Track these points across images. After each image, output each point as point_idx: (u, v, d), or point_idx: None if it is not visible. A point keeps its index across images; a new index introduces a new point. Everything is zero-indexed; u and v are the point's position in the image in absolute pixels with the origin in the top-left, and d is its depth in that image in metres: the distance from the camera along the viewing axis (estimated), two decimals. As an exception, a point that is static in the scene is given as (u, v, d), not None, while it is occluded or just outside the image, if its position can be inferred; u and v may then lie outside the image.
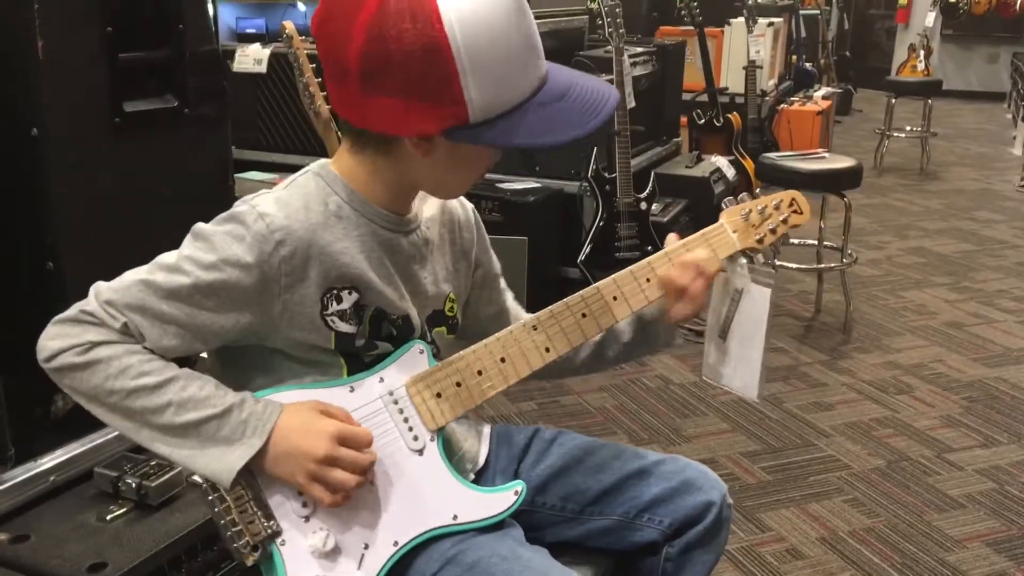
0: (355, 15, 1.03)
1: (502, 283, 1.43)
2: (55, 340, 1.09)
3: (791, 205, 1.37)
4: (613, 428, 2.96)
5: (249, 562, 1.12)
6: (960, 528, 2.46)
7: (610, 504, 1.35)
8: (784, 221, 1.36)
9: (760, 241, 1.35)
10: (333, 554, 1.13)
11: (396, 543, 1.16)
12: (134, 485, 1.65)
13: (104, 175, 1.78)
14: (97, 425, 1.80)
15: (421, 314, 1.25)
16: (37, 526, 1.61)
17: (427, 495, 1.18)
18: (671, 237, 1.33)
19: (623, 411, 3.09)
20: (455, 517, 1.19)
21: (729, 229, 1.34)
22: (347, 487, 1.10)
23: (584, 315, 1.26)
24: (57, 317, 1.11)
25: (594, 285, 1.27)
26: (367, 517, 1.16)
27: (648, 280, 1.29)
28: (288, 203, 1.12)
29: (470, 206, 1.37)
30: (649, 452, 1.40)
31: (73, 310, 1.10)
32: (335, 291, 1.14)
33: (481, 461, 1.36)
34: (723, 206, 1.33)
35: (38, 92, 1.64)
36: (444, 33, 1.01)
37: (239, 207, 1.11)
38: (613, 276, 1.28)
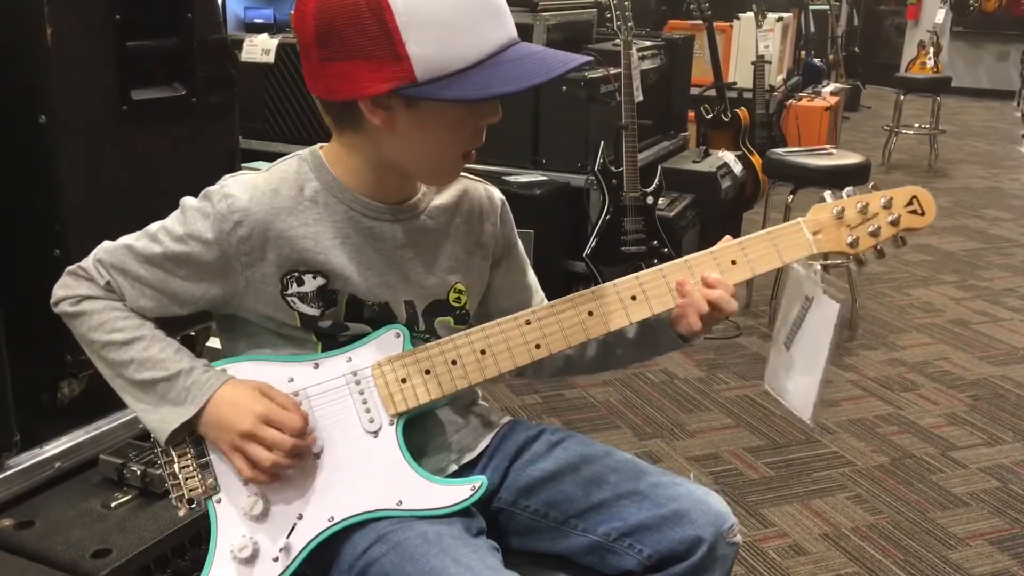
0: None
1: (528, 279, 1.40)
2: (59, 289, 1.23)
3: (909, 204, 1.15)
4: (617, 422, 2.96)
5: (181, 513, 1.19)
6: (963, 526, 2.46)
7: (594, 521, 1.27)
8: (893, 222, 1.16)
9: (853, 244, 1.16)
10: (263, 518, 1.17)
11: (331, 519, 1.17)
12: (139, 472, 1.66)
13: (111, 163, 1.78)
14: (102, 412, 1.82)
15: (417, 303, 1.25)
16: (42, 512, 1.62)
17: (374, 477, 1.18)
18: (727, 238, 1.22)
19: (627, 405, 3.09)
20: (399, 503, 1.18)
21: (807, 229, 1.17)
22: (264, 464, 1.14)
23: (591, 312, 1.19)
24: (68, 268, 1.23)
25: (611, 282, 1.20)
26: (307, 489, 1.18)
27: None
28: (257, 186, 1.17)
29: (499, 198, 1.35)
30: (655, 471, 1.30)
31: (76, 264, 1.23)
32: (296, 274, 1.17)
33: (473, 454, 1.32)
34: (823, 197, 1.17)
35: (46, 79, 1.64)
36: None
37: (214, 185, 1.17)
38: (636, 274, 1.19)
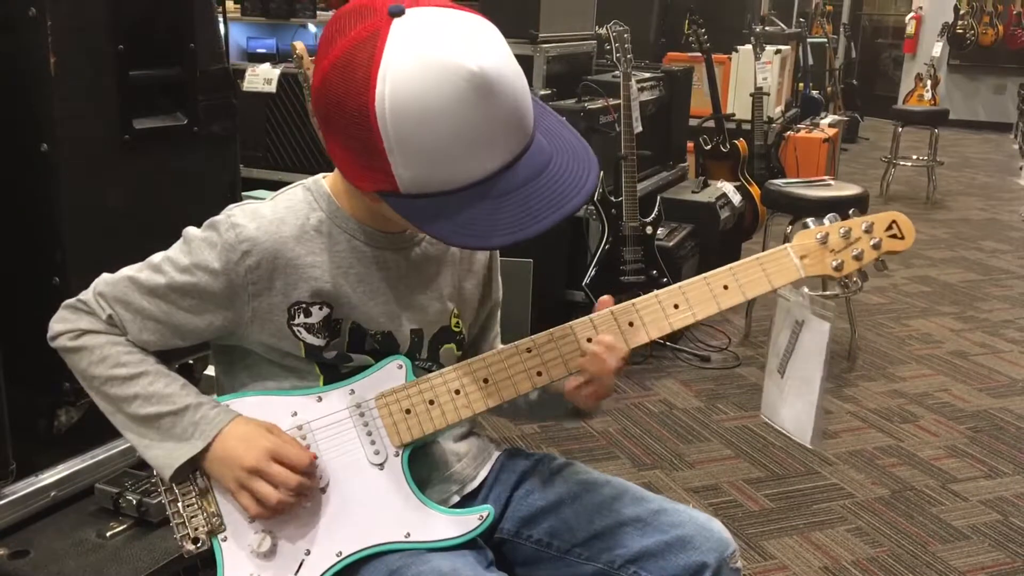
0: (323, 59, 1.05)
1: (498, 313, 1.41)
2: (58, 323, 1.21)
3: (889, 228, 1.20)
4: (616, 452, 2.95)
5: (187, 552, 1.17)
6: (964, 559, 2.44)
7: (598, 549, 1.27)
8: (875, 246, 1.20)
9: (838, 268, 1.20)
10: (270, 556, 1.16)
11: (340, 553, 1.16)
12: (135, 502, 1.65)
13: (113, 191, 1.79)
14: (99, 440, 1.81)
15: (426, 331, 1.25)
16: (37, 541, 1.61)
17: (382, 510, 1.18)
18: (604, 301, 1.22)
19: (626, 435, 3.08)
20: (407, 535, 1.17)
21: (794, 254, 1.21)
22: (269, 501, 1.13)
23: (589, 340, 1.20)
24: (65, 302, 1.22)
25: (607, 309, 1.21)
26: (314, 524, 1.17)
27: (676, 306, 1.20)
28: (264, 215, 1.16)
29: None
30: (656, 498, 1.30)
31: (75, 298, 1.21)
32: (304, 304, 1.16)
33: (474, 484, 1.32)
34: (805, 224, 1.23)
35: (49, 108, 1.65)
36: (373, 108, 0.99)
37: (219, 215, 1.17)
38: (632, 300, 1.21)
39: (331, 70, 1.02)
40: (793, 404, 1.26)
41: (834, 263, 1.20)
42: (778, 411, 1.29)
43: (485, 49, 1.00)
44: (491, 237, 1.04)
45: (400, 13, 1.00)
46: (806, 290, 1.23)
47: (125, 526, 1.64)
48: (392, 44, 0.98)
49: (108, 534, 1.62)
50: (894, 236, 1.21)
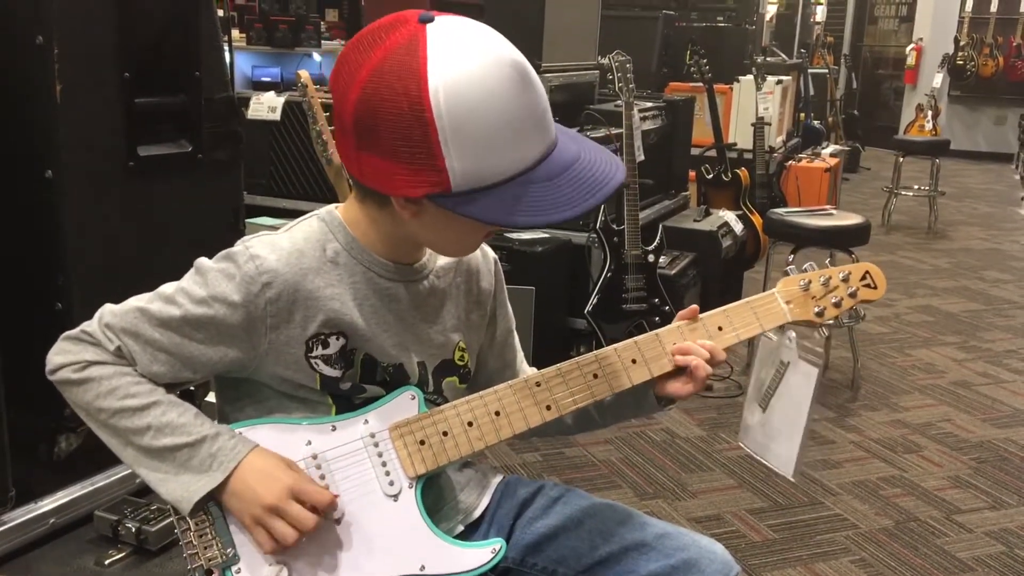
0: (356, 73, 1.05)
1: (515, 341, 1.41)
2: (58, 355, 1.16)
3: (863, 278, 1.27)
4: (618, 481, 2.94)
5: None
6: (969, 592, 2.42)
7: (603, 575, 1.28)
8: (852, 295, 1.27)
9: (820, 314, 1.26)
10: None
11: None
12: (134, 530, 1.64)
13: (116, 217, 1.80)
14: (98, 467, 1.81)
15: (428, 363, 1.25)
16: (35, 568, 1.60)
17: (396, 542, 1.17)
18: (692, 309, 1.26)
19: (628, 464, 3.06)
20: (422, 568, 1.16)
21: (781, 299, 1.26)
22: (287, 540, 1.11)
23: (596, 375, 1.22)
24: (64, 334, 1.17)
25: (612, 346, 1.23)
26: (330, 556, 1.16)
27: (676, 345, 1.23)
28: (282, 247, 1.15)
29: (493, 257, 1.36)
30: (657, 522, 1.32)
31: (78, 329, 1.17)
32: (322, 336, 1.16)
33: (477, 513, 1.32)
34: (786, 272, 1.30)
35: (54, 134, 1.67)
36: (428, 100, 1.01)
37: (236, 246, 1.15)
38: (634, 339, 1.24)
39: (373, 77, 1.03)
40: (777, 440, 1.30)
41: (816, 309, 1.26)
42: (759, 443, 1.32)
43: (511, 46, 1.07)
44: (546, 212, 1.06)
45: (431, 20, 1.05)
46: (792, 333, 1.27)
47: (124, 554, 1.63)
48: (434, 43, 1.03)
49: (107, 562, 1.61)
50: (868, 285, 1.28)
